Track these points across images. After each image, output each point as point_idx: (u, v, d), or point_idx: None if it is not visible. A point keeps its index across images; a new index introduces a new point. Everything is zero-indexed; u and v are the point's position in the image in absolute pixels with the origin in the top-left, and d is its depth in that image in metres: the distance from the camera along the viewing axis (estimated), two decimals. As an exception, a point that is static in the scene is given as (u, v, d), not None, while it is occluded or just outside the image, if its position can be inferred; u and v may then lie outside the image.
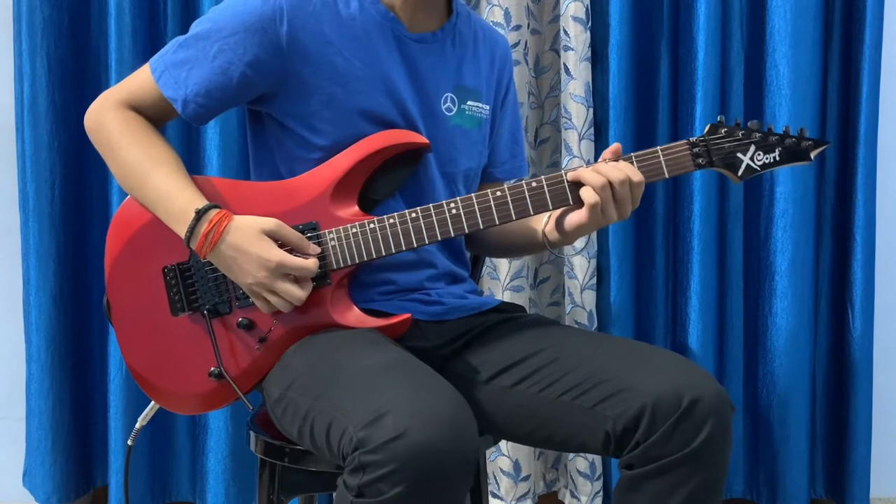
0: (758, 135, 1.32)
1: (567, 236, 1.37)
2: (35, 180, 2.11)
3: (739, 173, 1.32)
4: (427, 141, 1.38)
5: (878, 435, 2.21)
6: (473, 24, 1.50)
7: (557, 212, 1.37)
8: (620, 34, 2.10)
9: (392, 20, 1.38)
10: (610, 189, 1.28)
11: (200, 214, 1.27)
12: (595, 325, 2.16)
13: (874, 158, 2.13)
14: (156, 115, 1.37)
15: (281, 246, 1.27)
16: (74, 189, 2.17)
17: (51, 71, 2.11)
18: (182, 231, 1.28)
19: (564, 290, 2.19)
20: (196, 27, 1.34)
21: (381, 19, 1.37)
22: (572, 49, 2.08)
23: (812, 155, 1.33)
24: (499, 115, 1.55)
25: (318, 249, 1.29)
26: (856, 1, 2.14)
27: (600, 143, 2.16)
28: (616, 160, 1.30)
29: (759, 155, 1.32)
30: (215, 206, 1.28)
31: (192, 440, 2.23)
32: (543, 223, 1.42)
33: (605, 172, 1.28)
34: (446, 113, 1.42)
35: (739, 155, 1.32)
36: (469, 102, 1.45)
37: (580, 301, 2.14)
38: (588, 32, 2.09)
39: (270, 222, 1.27)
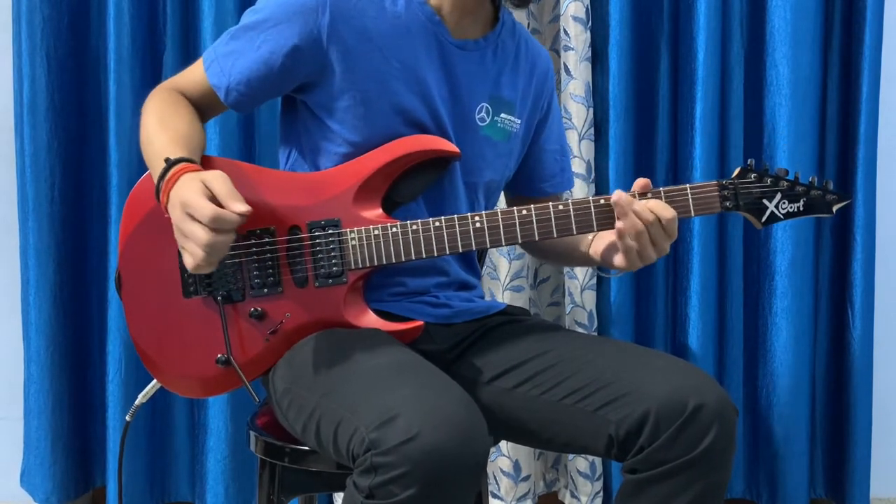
0: (785, 183, 1.32)
1: (612, 265, 1.37)
2: (34, 180, 2.11)
3: (763, 220, 1.33)
4: (457, 150, 1.37)
5: (878, 435, 2.22)
6: (518, 36, 1.48)
7: (605, 240, 1.36)
8: (620, 34, 2.10)
9: (437, 23, 1.37)
10: (647, 235, 1.28)
11: (169, 165, 1.21)
12: (595, 325, 2.16)
13: (874, 158, 2.14)
14: (203, 104, 1.39)
15: (213, 199, 1.18)
16: (74, 189, 2.17)
17: (50, 71, 2.11)
18: (155, 184, 1.24)
19: (564, 290, 2.19)
20: (245, 18, 1.36)
21: (425, 21, 1.36)
22: (572, 49, 2.08)
23: (834, 209, 1.34)
24: (543, 131, 1.54)
25: (244, 209, 1.16)
26: (856, 1, 2.14)
27: (600, 143, 2.16)
28: (644, 194, 1.29)
29: (784, 203, 1.32)
30: (187, 160, 1.22)
31: (191, 440, 2.22)
32: (588, 244, 1.41)
33: (639, 214, 1.27)
34: (479, 123, 1.41)
35: (765, 202, 1.32)
36: (503, 115, 1.44)
37: (580, 301, 2.14)
38: (588, 32, 2.09)
39: (212, 172, 1.18)
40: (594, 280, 2.15)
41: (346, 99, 1.33)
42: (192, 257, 1.16)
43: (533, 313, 2.17)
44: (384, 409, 1.08)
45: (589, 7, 2.09)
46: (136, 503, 2.19)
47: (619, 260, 1.33)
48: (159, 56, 2.14)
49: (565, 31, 2.09)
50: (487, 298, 1.64)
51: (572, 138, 2.10)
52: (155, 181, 1.24)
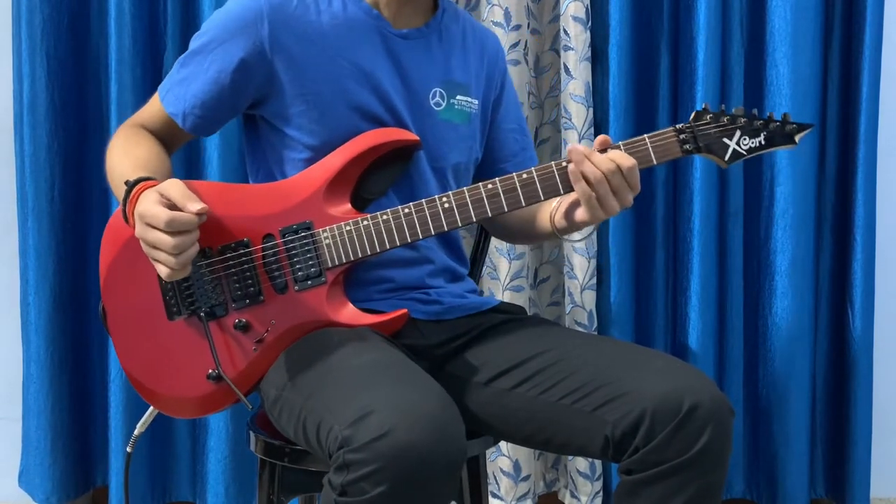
0: (742, 120, 1.33)
1: (575, 226, 1.38)
2: (34, 180, 2.11)
3: (726, 158, 1.33)
4: (417, 138, 1.38)
5: (878, 435, 2.21)
6: (461, 20, 1.50)
7: (566, 202, 1.37)
8: (620, 34, 2.10)
9: (376, 17, 1.39)
10: (606, 183, 1.27)
11: (130, 187, 1.23)
12: (595, 325, 2.16)
13: (874, 158, 2.13)
14: (166, 135, 1.41)
15: (171, 206, 1.20)
16: (74, 189, 2.17)
17: (50, 71, 2.11)
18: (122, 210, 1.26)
19: (564, 290, 2.19)
20: (192, 43, 1.38)
21: (364, 17, 1.38)
22: (572, 49, 2.08)
23: (797, 138, 1.34)
24: (499, 110, 1.55)
25: (199, 207, 1.18)
26: (856, 1, 2.14)
27: (600, 143, 2.16)
28: (604, 150, 1.29)
29: (744, 140, 1.33)
30: (146, 179, 1.23)
31: (192, 440, 2.23)
32: (552, 211, 1.41)
33: (597, 164, 1.27)
34: (435, 108, 1.43)
35: (725, 140, 1.33)
36: (458, 97, 1.45)
37: (580, 301, 2.14)
38: (588, 32, 2.09)
39: (167, 181, 1.20)
40: (594, 280, 2.15)
41: (298, 105, 1.35)
42: (163, 265, 1.19)
43: (533, 313, 2.17)
44: (359, 406, 1.08)
45: (589, 7, 2.09)
46: (137, 503, 2.19)
47: (580, 213, 1.32)
48: (160, 56, 2.14)
49: (565, 31, 2.09)
50: (485, 296, 1.64)
51: (572, 138, 2.10)
52: (121, 207, 1.26)
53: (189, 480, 2.24)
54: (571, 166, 1.28)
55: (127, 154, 1.34)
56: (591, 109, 2.11)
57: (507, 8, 2.07)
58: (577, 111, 2.09)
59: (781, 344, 2.18)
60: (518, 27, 2.09)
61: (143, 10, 2.11)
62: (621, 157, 1.27)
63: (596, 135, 2.14)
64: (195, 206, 1.17)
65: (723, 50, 2.11)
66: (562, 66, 2.12)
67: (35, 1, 2.07)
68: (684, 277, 2.17)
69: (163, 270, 1.20)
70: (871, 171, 2.13)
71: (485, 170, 1.56)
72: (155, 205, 1.17)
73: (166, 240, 1.16)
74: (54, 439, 2.16)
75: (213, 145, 2.10)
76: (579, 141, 2.10)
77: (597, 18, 2.14)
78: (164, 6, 2.13)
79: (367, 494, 1.04)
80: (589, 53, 2.10)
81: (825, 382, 2.26)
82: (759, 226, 2.21)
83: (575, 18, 2.07)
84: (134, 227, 1.21)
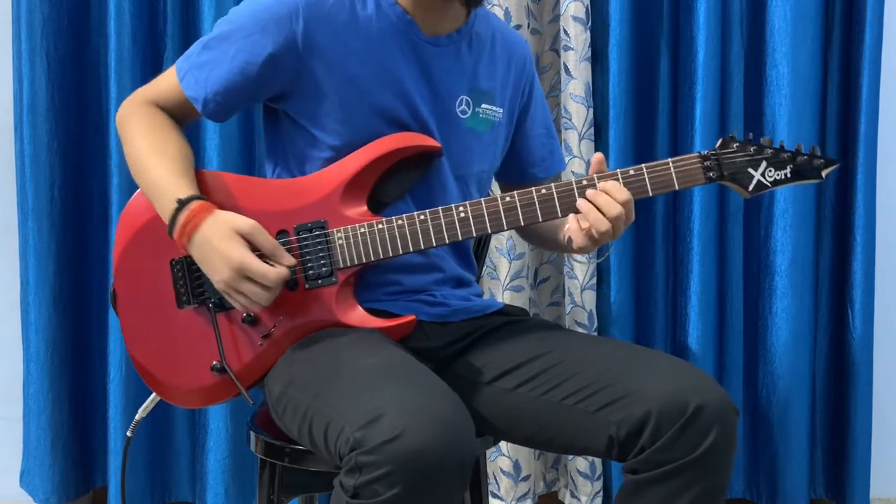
0: (770, 151, 1.31)
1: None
2: (34, 180, 2.11)
3: (750, 188, 1.32)
4: (439, 145, 1.38)
5: (878, 435, 2.21)
6: (491, 25, 1.50)
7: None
8: (620, 34, 2.10)
9: (408, 22, 1.38)
10: (610, 226, 1.28)
11: (182, 204, 1.26)
12: (595, 325, 2.16)
13: (874, 158, 2.13)
14: (179, 114, 1.40)
15: (255, 251, 1.25)
16: (74, 189, 2.17)
17: (50, 71, 2.11)
18: (167, 220, 1.29)
19: (564, 290, 2.19)
20: (218, 28, 1.37)
21: (396, 21, 1.37)
22: (572, 49, 2.08)
23: (823, 174, 1.32)
24: (526, 117, 1.55)
25: (293, 261, 1.27)
26: (856, 1, 2.14)
27: (600, 143, 2.16)
28: (602, 173, 1.30)
29: (770, 171, 1.31)
30: (199, 198, 1.28)
31: (191, 440, 2.22)
32: (566, 228, 1.41)
33: (601, 206, 1.27)
34: (461, 115, 1.42)
35: (750, 170, 1.31)
36: (483, 105, 1.45)
37: (580, 301, 2.14)
38: (588, 32, 2.09)
39: (247, 223, 1.25)
40: (594, 280, 2.15)
41: (325, 104, 1.34)
42: (248, 307, 1.28)
43: (533, 313, 2.17)
44: (370, 408, 1.08)
45: (589, 7, 2.09)
46: (137, 503, 2.19)
47: (579, 240, 1.32)
48: (159, 56, 2.14)
49: (565, 31, 2.09)
50: (486, 298, 1.64)
51: (572, 138, 2.10)
52: (166, 219, 1.29)
53: (189, 480, 2.24)
54: (575, 223, 1.30)
55: (157, 150, 1.34)
56: (591, 109, 2.11)
57: (507, 8, 2.07)
58: (577, 111, 2.09)
59: (781, 344, 2.18)
60: (518, 27, 2.09)
61: (142, 10, 2.11)
62: (618, 192, 1.27)
63: (596, 135, 2.15)
64: (290, 260, 1.26)
65: (723, 50, 2.11)
66: (562, 66, 2.12)
67: (35, 1, 2.07)
68: (684, 277, 2.17)
69: (239, 308, 1.29)
70: (871, 171, 2.13)
71: (514, 174, 1.58)
72: (253, 257, 1.23)
73: (263, 295, 1.24)
74: (54, 440, 2.16)
75: (212, 145, 2.10)
76: (579, 142, 2.10)
77: (597, 18, 2.14)
78: (164, 6, 2.13)
79: (381, 497, 1.04)
80: (589, 53, 2.10)
81: (825, 382, 2.26)
82: (758, 226, 2.21)
83: (575, 18, 2.07)
84: (183, 245, 1.27)
